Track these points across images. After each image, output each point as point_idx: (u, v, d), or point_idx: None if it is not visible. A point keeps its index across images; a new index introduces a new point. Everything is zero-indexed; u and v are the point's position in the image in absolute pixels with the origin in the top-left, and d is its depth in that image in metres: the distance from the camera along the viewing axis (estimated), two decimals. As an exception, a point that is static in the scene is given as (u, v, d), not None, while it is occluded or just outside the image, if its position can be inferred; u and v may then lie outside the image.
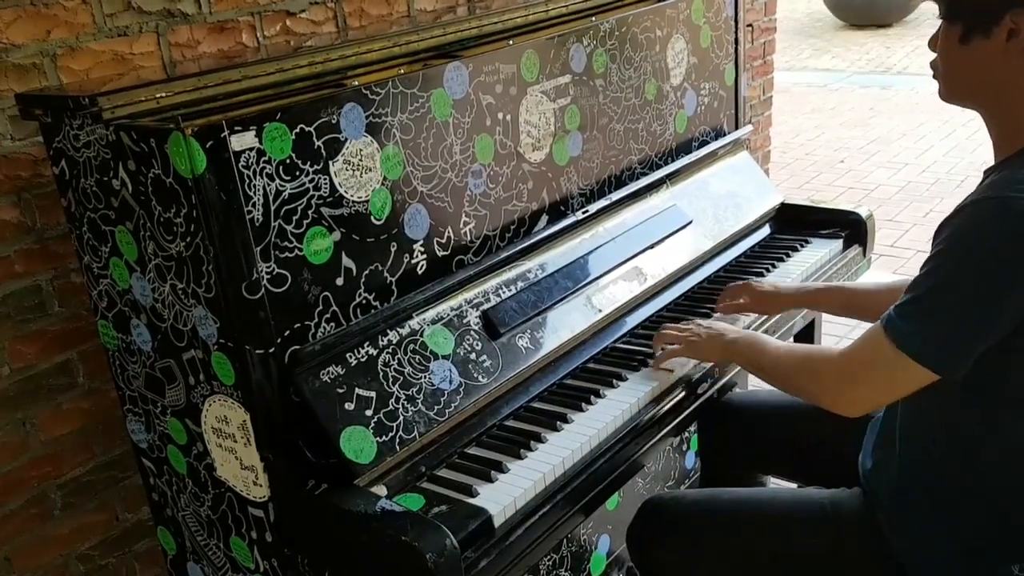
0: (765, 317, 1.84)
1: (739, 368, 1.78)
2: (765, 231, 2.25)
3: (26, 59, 1.51)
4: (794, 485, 1.84)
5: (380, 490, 1.31)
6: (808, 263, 2.06)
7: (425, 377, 1.41)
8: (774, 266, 2.05)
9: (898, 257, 3.94)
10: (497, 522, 1.28)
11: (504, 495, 1.32)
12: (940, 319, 1.15)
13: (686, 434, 2.26)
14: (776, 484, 1.97)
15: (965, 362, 1.15)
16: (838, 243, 2.17)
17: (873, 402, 1.26)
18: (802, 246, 2.15)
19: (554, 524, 1.36)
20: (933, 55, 1.26)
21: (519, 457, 1.41)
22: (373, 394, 1.34)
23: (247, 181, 1.21)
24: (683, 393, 1.61)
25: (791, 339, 2.18)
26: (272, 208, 1.25)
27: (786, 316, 1.90)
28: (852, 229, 2.20)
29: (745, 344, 1.49)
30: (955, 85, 1.24)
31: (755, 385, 2.71)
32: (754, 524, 1.45)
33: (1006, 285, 1.10)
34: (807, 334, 2.25)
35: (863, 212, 2.21)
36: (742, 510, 1.47)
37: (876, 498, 1.34)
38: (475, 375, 1.47)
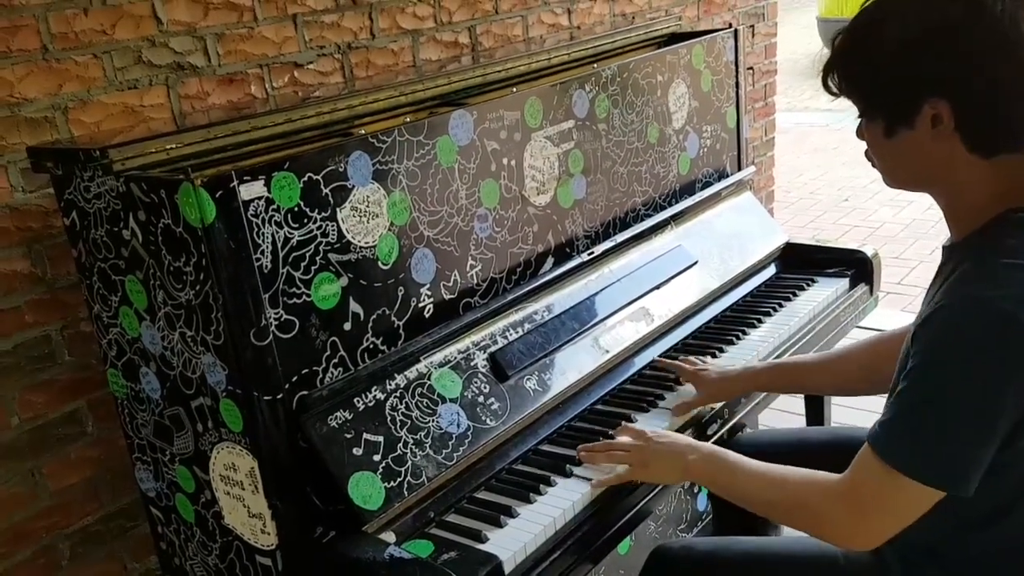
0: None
1: (749, 408, 1.78)
2: (771, 271, 2.25)
3: (38, 113, 1.54)
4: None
5: (389, 536, 1.30)
6: (815, 302, 2.06)
7: (433, 421, 1.41)
8: (781, 305, 2.06)
9: (905, 295, 3.93)
10: (507, 568, 1.27)
11: (514, 540, 1.31)
12: (935, 434, 1.08)
13: (697, 476, 2.24)
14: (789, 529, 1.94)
15: (974, 476, 1.08)
16: (844, 282, 2.17)
17: (890, 531, 1.15)
18: (808, 285, 2.15)
19: (565, 570, 1.35)
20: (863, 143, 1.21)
21: (529, 501, 1.40)
22: (381, 439, 1.34)
23: (256, 229, 1.23)
24: (693, 435, 1.60)
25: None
26: (280, 255, 1.26)
27: None
28: (858, 268, 2.20)
29: (709, 465, 1.35)
30: (894, 176, 1.21)
31: (765, 425, 2.69)
32: None
33: (996, 391, 1.04)
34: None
35: (869, 251, 2.21)
36: (754, 561, 1.43)
37: (887, 560, 1.30)
38: (483, 418, 1.47)
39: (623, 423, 1.57)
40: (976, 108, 1.08)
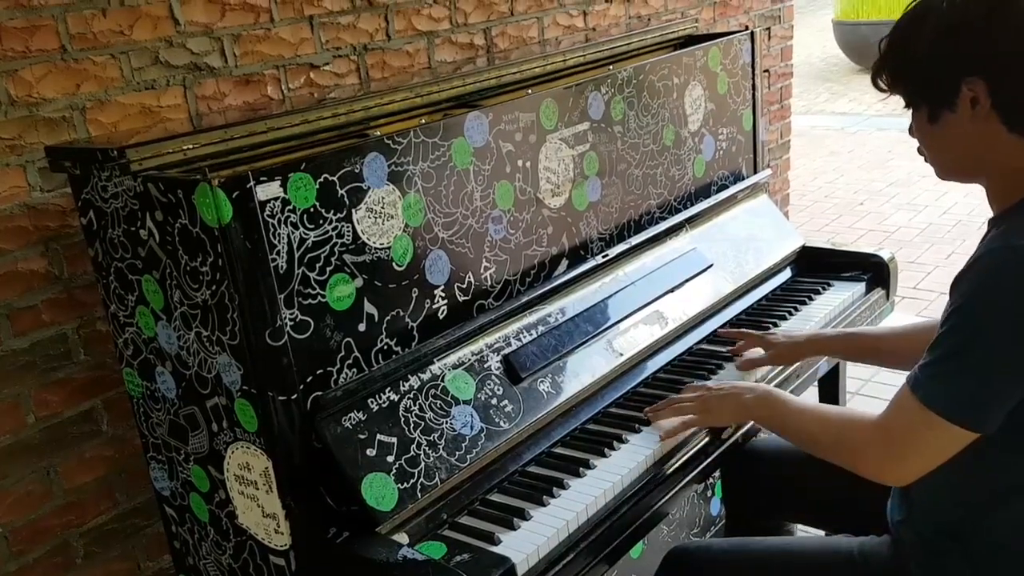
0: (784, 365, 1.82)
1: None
2: (787, 274, 2.24)
3: (56, 113, 1.55)
4: (822, 532, 1.81)
5: (402, 538, 1.30)
6: (831, 306, 2.05)
7: (446, 422, 1.41)
8: (796, 309, 2.04)
9: (921, 300, 3.90)
10: (520, 571, 1.27)
11: (527, 543, 1.31)
12: (968, 376, 1.12)
13: (711, 480, 2.23)
14: (804, 531, 1.93)
15: (997, 417, 1.12)
16: (860, 286, 2.15)
17: (921, 469, 1.20)
18: (824, 289, 2.14)
19: (578, 573, 1.34)
20: (916, 142, 1.26)
21: (542, 504, 1.39)
22: (395, 440, 1.34)
23: (272, 230, 1.23)
24: (707, 438, 1.60)
25: (815, 384, 2.16)
26: (296, 256, 1.26)
27: (808, 362, 1.88)
28: (875, 272, 2.19)
29: (764, 403, 1.44)
30: (944, 164, 1.25)
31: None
32: (782, 575, 1.42)
33: None
34: (832, 378, 2.23)
35: (886, 255, 2.20)
36: (770, 561, 1.44)
37: (906, 550, 1.30)
38: (497, 420, 1.47)
39: (671, 395, 1.63)
40: (1011, 86, 1.13)
